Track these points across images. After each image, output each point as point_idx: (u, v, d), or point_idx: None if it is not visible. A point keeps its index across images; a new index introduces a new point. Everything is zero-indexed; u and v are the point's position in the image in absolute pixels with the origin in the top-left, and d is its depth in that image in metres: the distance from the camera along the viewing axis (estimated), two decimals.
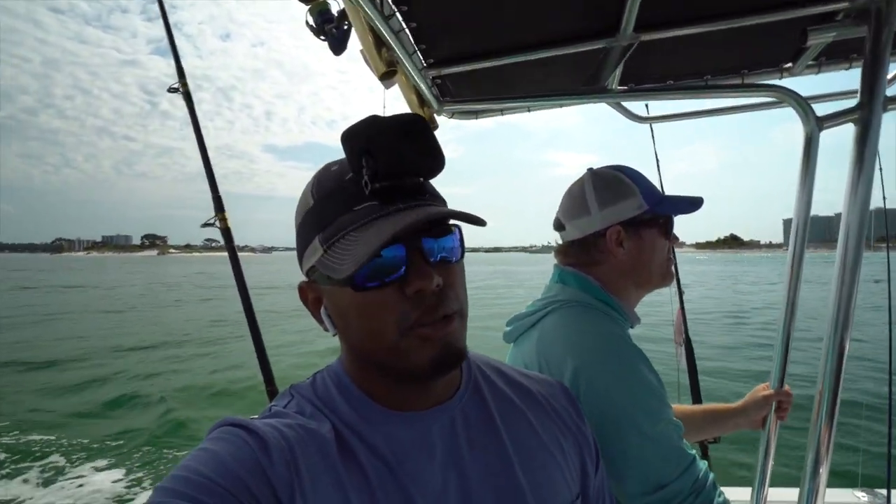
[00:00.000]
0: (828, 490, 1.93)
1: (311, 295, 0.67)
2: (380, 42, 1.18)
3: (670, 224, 1.17)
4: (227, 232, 2.46)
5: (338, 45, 1.39)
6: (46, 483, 5.54)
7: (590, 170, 1.20)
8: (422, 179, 0.62)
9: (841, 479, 2.08)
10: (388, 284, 0.58)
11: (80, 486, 5.48)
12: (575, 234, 1.17)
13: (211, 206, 2.47)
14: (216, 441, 0.57)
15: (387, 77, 1.20)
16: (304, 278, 0.68)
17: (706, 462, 0.97)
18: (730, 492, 2.06)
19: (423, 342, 0.59)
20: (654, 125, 2.15)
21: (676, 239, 1.20)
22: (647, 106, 1.99)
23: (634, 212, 1.12)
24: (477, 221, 0.60)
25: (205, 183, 2.50)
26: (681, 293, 2.32)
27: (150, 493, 0.54)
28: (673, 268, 1.20)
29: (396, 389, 0.65)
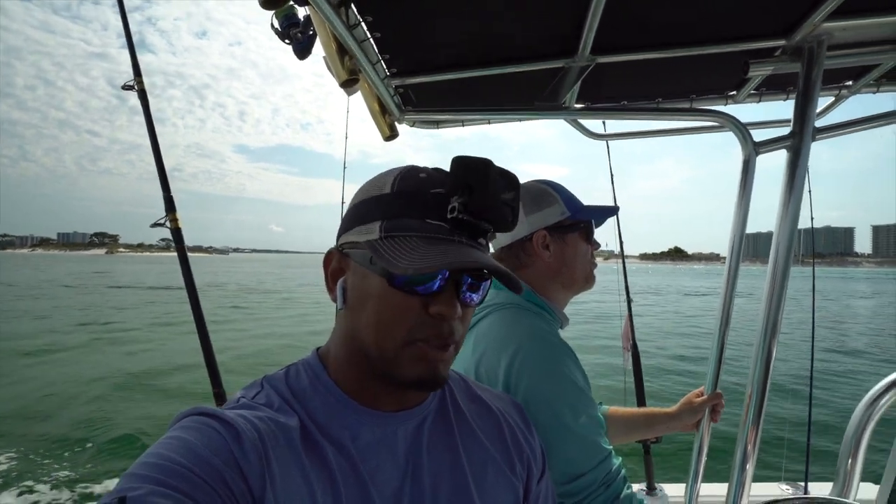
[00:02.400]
0: (754, 484, 2.07)
1: (335, 264, 0.68)
2: (343, 50, 1.20)
3: (591, 230, 1.27)
4: (177, 232, 2.42)
5: (302, 50, 1.41)
6: None
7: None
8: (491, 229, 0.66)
9: (767, 473, 2.22)
10: (418, 295, 0.62)
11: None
12: (505, 240, 1.25)
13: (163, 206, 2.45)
14: (187, 430, 0.56)
15: (348, 85, 1.21)
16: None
17: (620, 458, 1.05)
18: (666, 487, 2.18)
19: (420, 359, 0.63)
20: (613, 143, 2.24)
21: (597, 245, 1.29)
22: (604, 124, 2.07)
23: (558, 217, 1.21)
24: (516, 287, 0.66)
25: (172, 182, 2.46)
26: (629, 301, 2.43)
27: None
28: (595, 272, 1.28)
29: (372, 386, 0.67)
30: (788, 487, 2.12)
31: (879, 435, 1.53)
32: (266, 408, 0.62)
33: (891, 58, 1.50)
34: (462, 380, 0.83)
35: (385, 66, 1.48)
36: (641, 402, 2.42)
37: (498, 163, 0.62)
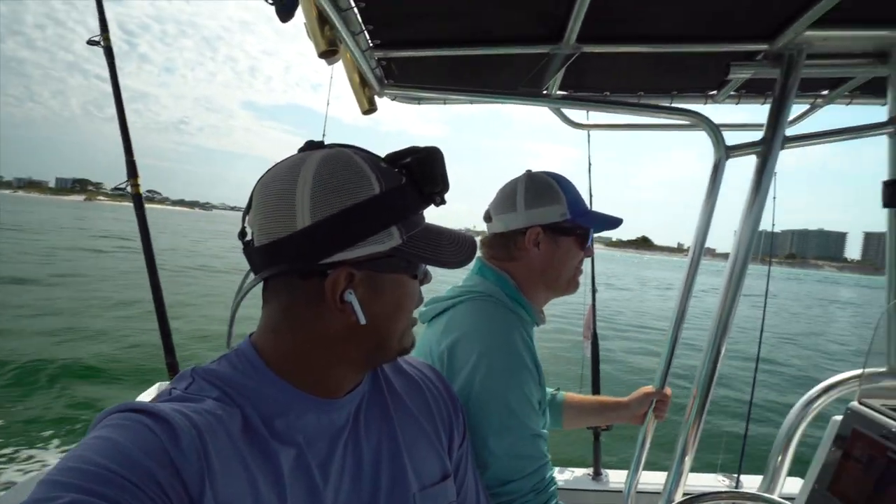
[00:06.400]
0: (695, 474, 2.17)
1: (343, 285, 0.63)
2: (324, 19, 1.18)
3: (587, 236, 1.24)
4: (137, 199, 2.40)
5: (285, 12, 1.37)
6: None
7: (527, 171, 1.26)
8: None
9: (705, 465, 2.34)
10: (418, 279, 0.72)
11: None
12: (499, 227, 1.23)
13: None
14: (114, 429, 0.52)
15: (327, 56, 1.19)
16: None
17: (552, 468, 1.08)
18: (611, 474, 2.28)
19: (409, 329, 0.73)
20: (592, 132, 2.25)
21: (590, 252, 1.27)
22: (587, 113, 2.07)
23: (557, 218, 1.19)
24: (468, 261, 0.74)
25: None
26: (594, 292, 2.49)
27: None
28: (579, 278, 1.27)
29: (333, 376, 0.68)
30: (725, 479, 2.23)
31: (810, 436, 1.62)
32: (204, 400, 0.59)
33: (866, 71, 1.54)
34: None
35: (368, 38, 1.46)
36: (596, 389, 2.51)
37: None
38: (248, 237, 0.66)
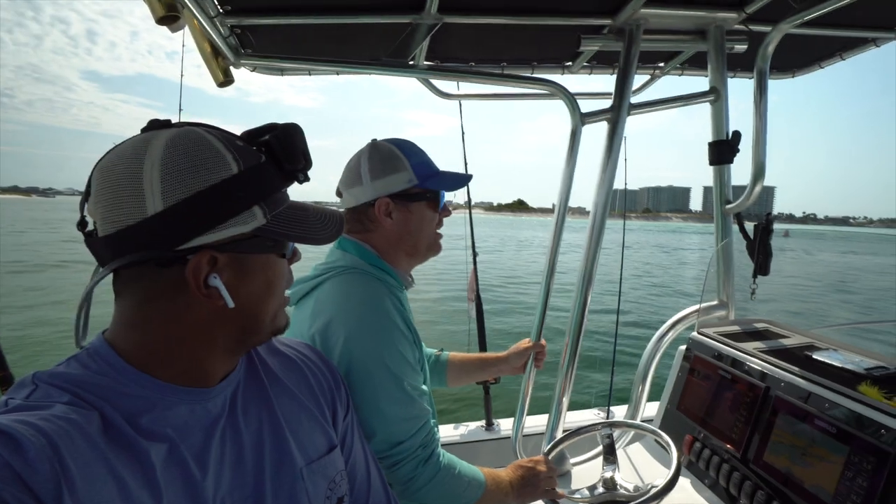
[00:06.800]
0: (574, 412, 2.42)
1: (207, 268, 0.61)
2: None
3: (438, 199, 1.25)
4: None
5: None
6: None
7: (372, 141, 1.24)
8: None
9: (582, 405, 2.62)
10: (287, 258, 0.72)
11: None
12: (350, 202, 1.21)
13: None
14: None
15: (168, 22, 1.07)
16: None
17: (436, 420, 1.14)
18: (502, 423, 2.46)
19: (282, 308, 0.73)
20: (465, 102, 2.31)
21: (447, 212, 1.29)
22: (458, 84, 2.11)
23: (404, 185, 1.18)
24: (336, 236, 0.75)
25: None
26: (475, 255, 2.60)
27: None
28: (440, 241, 1.30)
29: (203, 364, 0.65)
30: (600, 412, 2.51)
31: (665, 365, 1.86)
32: (52, 406, 0.54)
33: (690, 46, 1.75)
34: None
35: (217, 3, 1.34)
36: (483, 346, 2.66)
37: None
38: (91, 227, 0.61)
